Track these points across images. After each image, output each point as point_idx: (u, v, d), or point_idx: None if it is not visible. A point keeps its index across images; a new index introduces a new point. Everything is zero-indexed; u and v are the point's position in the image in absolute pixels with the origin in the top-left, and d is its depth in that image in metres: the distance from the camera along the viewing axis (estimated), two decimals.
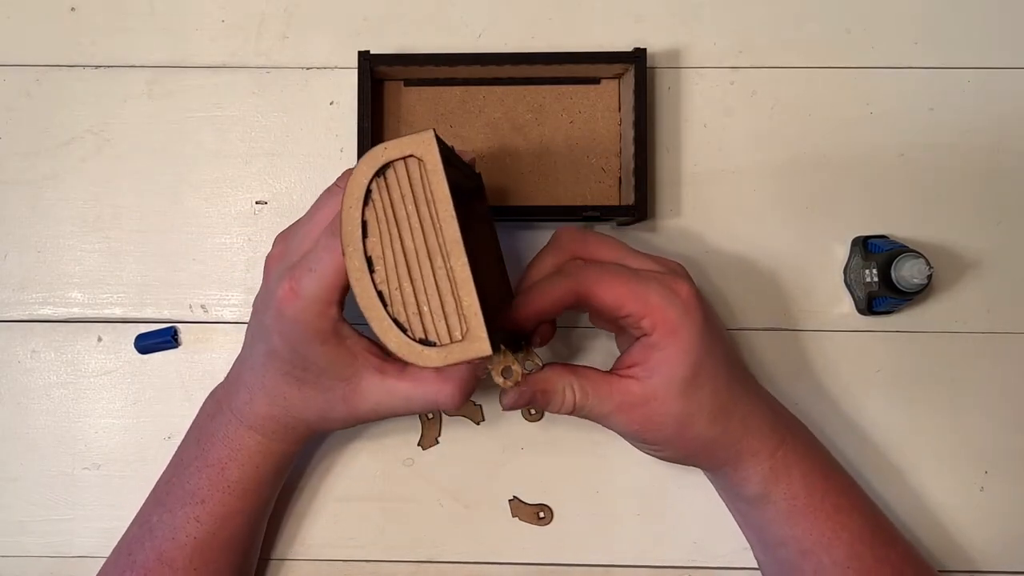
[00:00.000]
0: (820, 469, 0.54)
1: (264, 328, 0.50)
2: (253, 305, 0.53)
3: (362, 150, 0.56)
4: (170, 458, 0.55)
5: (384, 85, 0.60)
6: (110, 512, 0.59)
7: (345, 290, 0.47)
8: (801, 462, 0.53)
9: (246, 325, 0.54)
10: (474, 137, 0.60)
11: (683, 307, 0.50)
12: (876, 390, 0.59)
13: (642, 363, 0.50)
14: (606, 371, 0.52)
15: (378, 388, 0.50)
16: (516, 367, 0.48)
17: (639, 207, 0.57)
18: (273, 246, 0.52)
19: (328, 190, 0.51)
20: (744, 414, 0.52)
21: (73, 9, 0.61)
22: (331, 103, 0.61)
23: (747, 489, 0.53)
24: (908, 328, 0.60)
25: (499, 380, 0.48)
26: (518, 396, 0.51)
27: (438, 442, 0.59)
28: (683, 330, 0.50)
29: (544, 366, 0.51)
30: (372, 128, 0.57)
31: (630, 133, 0.57)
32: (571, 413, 0.51)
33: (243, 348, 0.54)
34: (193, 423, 0.55)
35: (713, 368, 0.51)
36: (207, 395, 0.56)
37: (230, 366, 0.58)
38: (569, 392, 0.51)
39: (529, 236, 0.60)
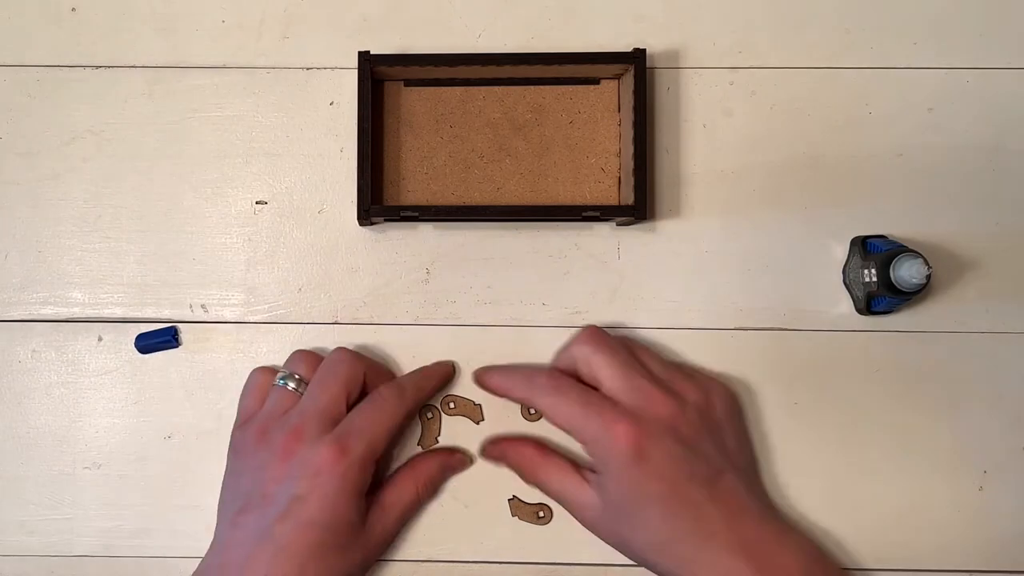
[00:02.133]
0: None
1: (294, 501, 0.51)
2: (241, 502, 0.53)
3: (362, 150, 0.57)
4: (169, 458, 0.55)
5: (384, 85, 0.60)
6: (110, 512, 0.59)
7: (383, 448, 0.54)
8: None
9: (220, 492, 0.55)
10: (474, 137, 0.60)
11: (613, 447, 0.52)
12: (875, 390, 0.59)
13: (593, 475, 0.55)
14: (574, 468, 0.56)
15: (382, 513, 0.55)
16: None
17: (638, 207, 0.57)
18: (245, 434, 0.55)
19: (325, 367, 0.56)
20: (682, 557, 0.52)
21: (73, 9, 0.61)
22: (331, 103, 0.61)
23: None
24: (907, 328, 0.60)
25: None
26: (489, 454, 0.59)
27: (438, 441, 0.59)
28: (612, 466, 0.53)
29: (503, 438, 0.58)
30: (372, 128, 0.57)
31: (629, 133, 0.57)
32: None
33: (225, 547, 0.53)
34: None
35: (643, 512, 0.53)
36: None
37: (230, 366, 0.59)
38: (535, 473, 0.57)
39: (527, 236, 0.60)
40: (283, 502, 0.51)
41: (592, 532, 0.56)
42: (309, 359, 0.57)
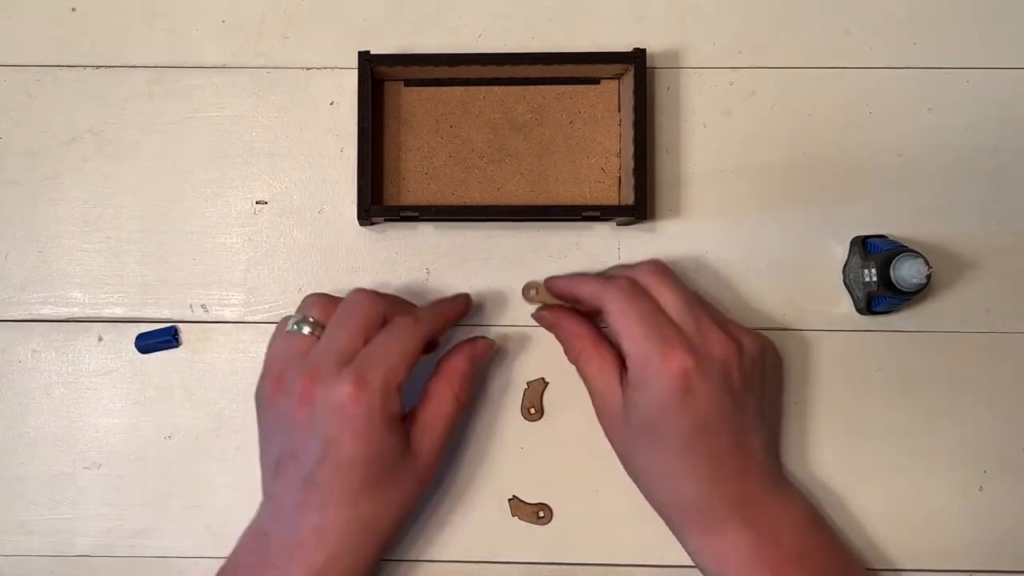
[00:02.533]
0: (769, 564, 0.53)
1: (326, 445, 0.50)
2: (277, 457, 0.52)
3: (362, 150, 0.57)
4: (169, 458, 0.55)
5: (384, 85, 0.60)
6: (110, 512, 0.59)
7: (404, 374, 0.52)
8: (743, 555, 0.53)
9: (259, 449, 0.55)
10: (474, 137, 0.60)
11: (660, 373, 0.51)
12: (875, 390, 0.59)
13: (626, 386, 0.54)
14: (621, 364, 0.54)
15: (424, 434, 0.53)
16: (541, 292, 0.58)
17: (639, 207, 0.57)
18: (263, 385, 0.54)
19: (344, 308, 0.54)
20: (684, 493, 0.53)
21: (73, 9, 0.61)
22: (331, 103, 0.61)
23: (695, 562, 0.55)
24: (907, 328, 0.60)
25: (527, 295, 0.58)
26: (539, 317, 0.58)
27: (534, 412, 0.60)
28: (651, 389, 0.52)
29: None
30: (372, 128, 0.57)
31: (630, 133, 0.57)
32: (575, 363, 0.56)
33: (275, 503, 0.53)
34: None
35: (668, 444, 0.52)
36: (242, 549, 0.54)
37: (230, 367, 0.59)
38: (577, 343, 0.56)
39: (528, 236, 0.60)
40: (316, 448, 0.51)
41: (602, 428, 0.56)
42: (324, 301, 0.55)
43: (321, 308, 0.54)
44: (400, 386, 0.52)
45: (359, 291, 0.54)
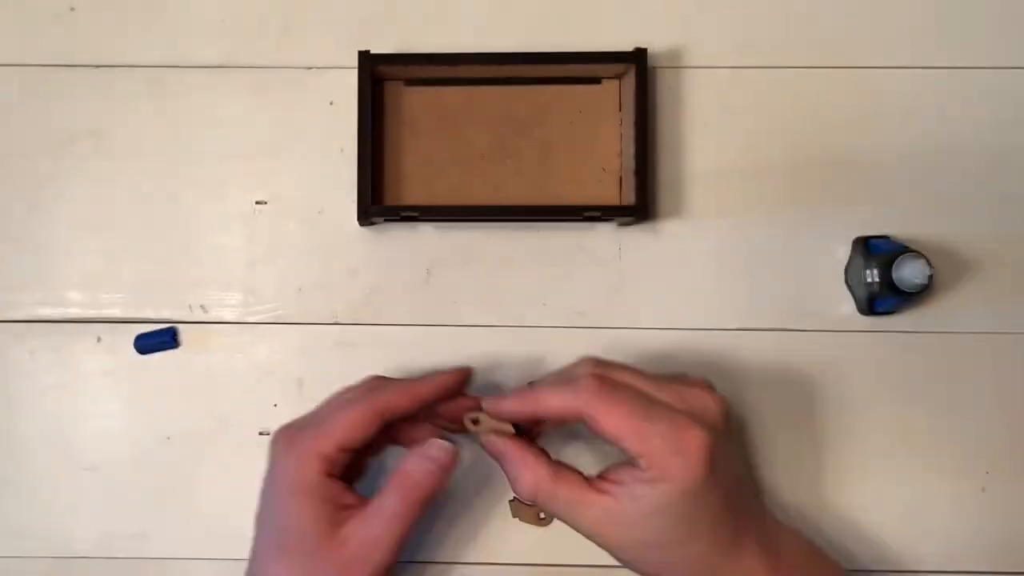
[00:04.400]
0: None
1: (270, 514, 0.50)
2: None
3: (363, 150, 0.56)
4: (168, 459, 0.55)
5: (384, 85, 0.60)
6: (109, 513, 0.59)
7: (342, 453, 0.49)
8: None
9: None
10: (475, 137, 0.60)
11: (685, 460, 0.47)
12: (877, 390, 0.59)
13: (625, 484, 0.49)
14: (584, 478, 0.50)
15: (362, 525, 0.49)
16: (484, 419, 0.52)
17: (640, 207, 0.57)
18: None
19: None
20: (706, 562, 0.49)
21: (73, 9, 0.61)
22: (331, 103, 0.61)
23: None
24: (909, 328, 0.60)
25: (468, 425, 0.52)
26: (489, 443, 0.52)
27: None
28: (677, 481, 0.47)
29: (515, 435, 0.52)
30: (372, 128, 0.57)
31: (631, 133, 0.57)
32: (531, 500, 0.51)
33: None
34: None
35: (698, 522, 0.48)
36: None
37: (229, 367, 0.59)
38: (531, 475, 0.50)
39: (530, 236, 0.60)
40: (258, 506, 0.52)
41: (604, 541, 0.51)
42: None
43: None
44: (322, 455, 0.49)
45: (371, 377, 0.54)
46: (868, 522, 0.59)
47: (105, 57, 0.61)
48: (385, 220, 0.59)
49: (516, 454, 0.51)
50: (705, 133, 0.60)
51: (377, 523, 0.49)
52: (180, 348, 0.60)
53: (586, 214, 0.58)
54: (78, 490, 0.59)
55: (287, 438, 0.51)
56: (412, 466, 0.51)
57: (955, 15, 0.61)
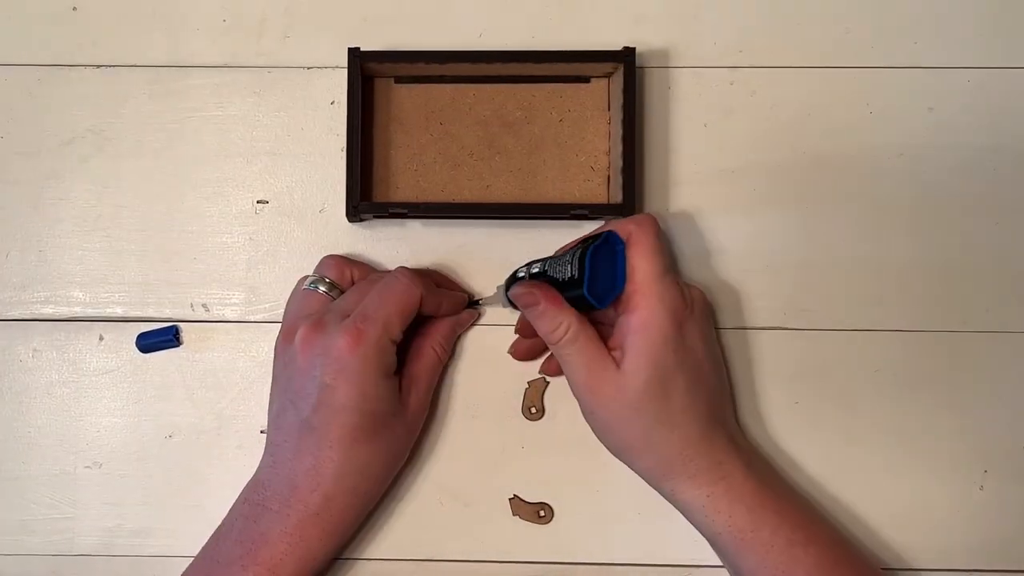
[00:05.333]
0: (772, 504, 0.53)
1: (323, 390, 0.52)
2: (278, 405, 0.55)
3: (352, 147, 0.56)
4: (170, 457, 0.55)
5: (374, 82, 0.60)
6: (111, 511, 0.59)
7: (398, 330, 0.53)
8: (748, 497, 0.53)
9: (270, 421, 0.55)
10: (464, 134, 0.60)
11: (669, 302, 0.52)
12: (875, 389, 0.59)
13: (619, 344, 0.53)
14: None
15: (412, 387, 0.56)
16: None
17: (627, 205, 0.57)
18: (278, 339, 0.56)
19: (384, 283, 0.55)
20: (691, 436, 0.53)
21: (74, 9, 0.61)
22: (331, 103, 0.61)
23: (692, 517, 0.55)
24: (907, 327, 0.60)
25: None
26: (526, 289, 0.54)
27: (536, 411, 0.60)
28: (657, 314, 0.52)
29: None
30: (362, 125, 0.57)
31: (619, 132, 0.57)
32: (554, 346, 0.54)
33: (275, 449, 0.54)
34: (223, 529, 0.55)
35: (673, 379, 0.52)
36: (239, 501, 0.55)
37: (231, 366, 0.59)
38: (563, 328, 0.53)
39: (517, 234, 0.60)
40: (314, 393, 0.52)
41: (592, 407, 0.54)
42: (339, 263, 0.57)
43: (337, 269, 0.57)
44: (394, 341, 0.53)
45: (401, 270, 0.56)
46: (867, 521, 0.59)
47: (105, 57, 0.61)
48: (374, 217, 0.59)
49: (552, 298, 0.53)
50: (693, 132, 0.60)
51: (424, 381, 0.56)
52: (182, 347, 0.60)
53: (573, 212, 0.58)
54: (80, 488, 0.59)
55: (355, 333, 0.52)
56: (441, 324, 0.58)
57: (953, 15, 0.61)
